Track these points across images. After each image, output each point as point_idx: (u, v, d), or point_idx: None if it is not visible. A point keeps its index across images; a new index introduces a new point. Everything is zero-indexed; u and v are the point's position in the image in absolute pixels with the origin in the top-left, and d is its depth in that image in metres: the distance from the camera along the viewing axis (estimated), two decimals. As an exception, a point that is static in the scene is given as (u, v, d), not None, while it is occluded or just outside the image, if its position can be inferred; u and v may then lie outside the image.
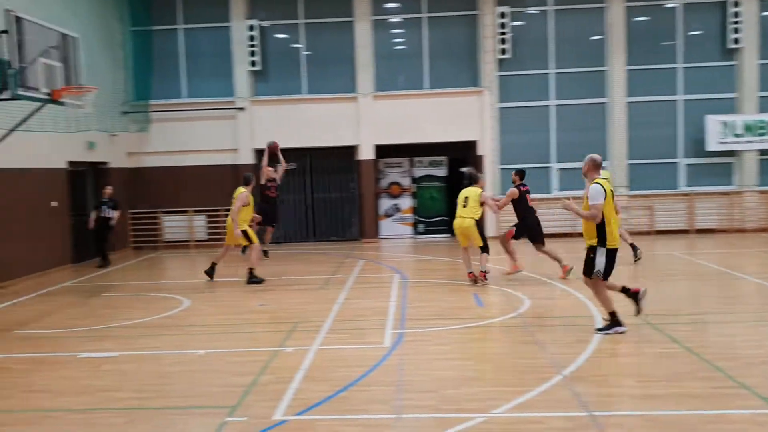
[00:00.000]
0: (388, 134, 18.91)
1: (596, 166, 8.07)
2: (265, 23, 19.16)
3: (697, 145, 18.65)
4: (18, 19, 10.22)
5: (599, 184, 7.86)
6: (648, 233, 18.41)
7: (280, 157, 15.66)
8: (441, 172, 19.80)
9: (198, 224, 19.10)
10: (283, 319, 9.54)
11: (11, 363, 7.78)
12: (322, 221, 19.70)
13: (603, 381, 6.50)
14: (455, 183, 19.84)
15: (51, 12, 13.66)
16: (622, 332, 8.02)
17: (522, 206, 12.12)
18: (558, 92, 18.93)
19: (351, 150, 19.34)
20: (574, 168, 18.49)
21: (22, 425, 5.84)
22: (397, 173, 19.88)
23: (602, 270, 7.99)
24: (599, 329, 8.14)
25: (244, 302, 11.13)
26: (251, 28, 18.73)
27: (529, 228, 12.20)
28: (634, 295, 8.19)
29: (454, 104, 18.85)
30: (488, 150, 18.84)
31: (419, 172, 19.85)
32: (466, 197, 11.75)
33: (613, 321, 8.10)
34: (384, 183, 19.87)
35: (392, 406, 5.92)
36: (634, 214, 18.72)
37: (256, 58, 18.83)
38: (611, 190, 7.96)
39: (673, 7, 18.71)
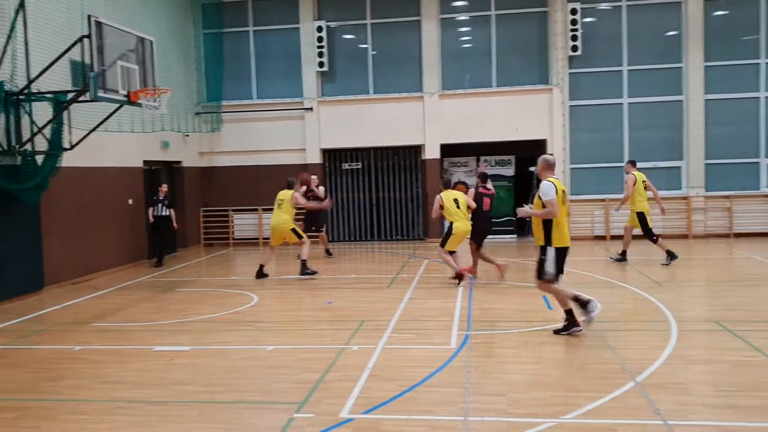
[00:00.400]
0: (454, 133, 18.83)
1: (549, 167, 8.30)
2: (332, 24, 19.33)
3: (780, 144, 17.87)
4: (98, 24, 10.60)
5: (549, 181, 8.07)
6: (726, 236, 17.76)
7: (317, 190, 15.66)
8: (509, 171, 19.56)
9: (267, 222, 19.39)
10: (350, 317, 9.59)
11: (89, 354, 8.07)
12: (387, 220, 19.74)
13: (679, 388, 6.27)
14: (524, 182, 19.65)
15: (128, 16, 14.14)
16: (578, 332, 8.02)
17: (477, 210, 12.09)
18: (631, 90, 18.42)
19: (416, 149, 19.33)
20: (648, 168, 18.00)
21: (100, 414, 6.03)
22: (462, 172, 19.73)
23: (553, 271, 8.01)
24: (557, 331, 8.12)
25: (312, 299, 11.26)
26: (319, 29, 18.94)
27: (480, 232, 12.25)
28: (584, 305, 8.11)
29: (522, 102, 18.60)
30: (558, 149, 18.51)
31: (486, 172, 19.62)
32: (455, 199, 11.77)
33: (570, 321, 8.08)
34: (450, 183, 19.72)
35: (459, 408, 5.86)
36: (711, 215, 18.09)
37: (324, 59, 19.03)
38: (564, 191, 8.15)
39: (755, 0, 17.93)
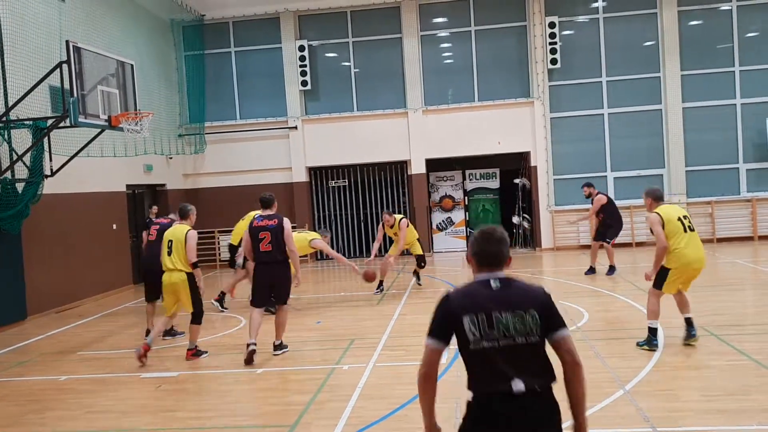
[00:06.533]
0: (438, 148, 18.92)
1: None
2: (314, 43, 19.41)
3: (758, 150, 18.07)
4: (77, 49, 10.56)
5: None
6: (710, 241, 17.87)
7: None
8: (493, 184, 19.66)
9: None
10: (340, 337, 9.55)
11: (75, 384, 7.97)
12: (375, 236, 19.70)
13: (667, 395, 6.30)
14: (508, 195, 19.74)
15: (108, 40, 14.12)
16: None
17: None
18: (611, 100, 18.61)
19: (402, 164, 19.38)
20: (631, 177, 18.16)
21: (88, 445, 5.95)
22: (449, 186, 19.82)
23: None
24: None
25: (301, 320, 11.18)
26: (301, 48, 19.01)
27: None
28: None
29: (505, 116, 18.72)
30: (541, 161, 18.63)
31: (471, 185, 19.74)
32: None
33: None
34: (436, 197, 19.82)
35: (452, 424, 5.82)
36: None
37: (307, 78, 19.09)
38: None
39: (727, 10, 18.22)
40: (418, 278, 13.51)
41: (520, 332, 3.08)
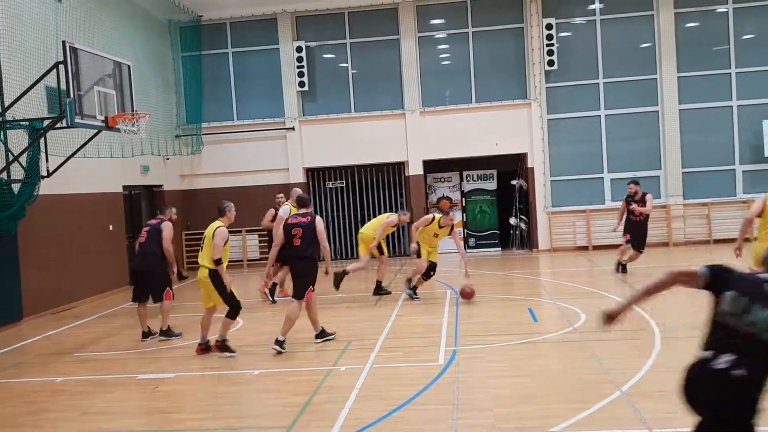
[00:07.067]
0: (436, 149, 18.92)
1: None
2: (312, 44, 19.40)
3: (754, 151, 18.09)
4: (74, 50, 10.54)
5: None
6: (706, 242, 17.93)
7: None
8: (491, 185, 19.66)
9: (251, 243, 19.31)
10: (337, 338, 9.53)
11: (71, 386, 7.94)
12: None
13: (664, 396, 6.28)
14: (505, 196, 19.75)
15: (105, 41, 14.09)
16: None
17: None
18: (607, 102, 18.63)
19: (400, 166, 19.38)
20: (627, 178, 18.14)
21: (84, 447, 5.93)
22: (446, 188, 19.82)
23: None
24: None
25: (298, 321, 11.13)
26: (299, 49, 19.00)
27: None
28: None
29: (502, 117, 18.73)
30: (538, 162, 18.64)
31: (468, 186, 19.75)
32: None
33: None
34: (433, 198, 19.82)
35: (448, 426, 5.84)
36: (690, 223, 18.27)
37: (305, 79, 19.08)
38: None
39: (724, 12, 18.25)
40: (414, 292, 12.24)
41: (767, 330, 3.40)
